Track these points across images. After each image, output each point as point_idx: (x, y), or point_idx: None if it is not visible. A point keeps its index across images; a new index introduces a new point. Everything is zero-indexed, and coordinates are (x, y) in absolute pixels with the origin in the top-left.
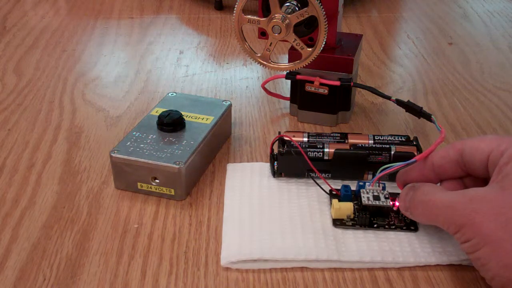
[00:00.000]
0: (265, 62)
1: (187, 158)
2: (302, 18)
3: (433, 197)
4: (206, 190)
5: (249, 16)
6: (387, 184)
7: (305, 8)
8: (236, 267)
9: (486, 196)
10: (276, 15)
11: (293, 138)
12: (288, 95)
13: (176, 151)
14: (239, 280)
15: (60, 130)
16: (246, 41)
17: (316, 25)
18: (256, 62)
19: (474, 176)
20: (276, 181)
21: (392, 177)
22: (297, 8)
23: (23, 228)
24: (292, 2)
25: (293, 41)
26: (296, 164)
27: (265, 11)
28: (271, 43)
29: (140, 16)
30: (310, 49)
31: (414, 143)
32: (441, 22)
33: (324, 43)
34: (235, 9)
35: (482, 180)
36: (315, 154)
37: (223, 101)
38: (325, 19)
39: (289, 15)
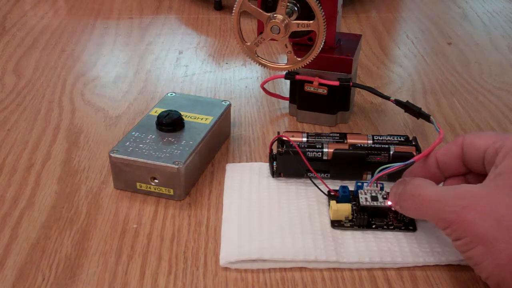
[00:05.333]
0: (249, 53)
1: (186, 158)
2: (302, 29)
3: (423, 191)
4: (205, 190)
5: (253, 6)
6: (386, 184)
7: (309, 22)
8: (235, 267)
9: (478, 194)
10: (278, 15)
11: (292, 138)
12: (287, 95)
13: (175, 151)
14: (238, 280)
15: (60, 130)
16: (245, 42)
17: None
18: (256, 63)
19: (475, 172)
20: (275, 181)
21: (391, 177)
22: (295, 8)
23: (22, 228)
24: (291, 2)
25: (284, 44)
26: (295, 164)
27: (264, 8)
28: (264, 39)
29: (140, 16)
30: (298, 59)
31: (413, 143)
32: (440, 22)
33: (323, 42)
34: (235, 5)
35: (484, 177)
36: (314, 154)
37: (222, 101)
38: (323, 17)
39: (291, 20)
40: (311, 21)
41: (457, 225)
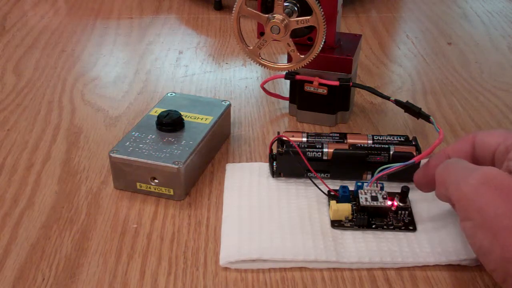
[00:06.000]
0: (254, 57)
1: (186, 158)
2: (302, 25)
3: (451, 164)
4: (205, 190)
5: (251, 9)
6: (386, 184)
7: (307, 17)
8: (235, 267)
9: (497, 176)
10: (277, 15)
11: (292, 138)
12: (287, 95)
13: (175, 151)
14: (238, 280)
15: (59, 130)
16: (245, 42)
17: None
18: (256, 63)
19: None
20: (275, 181)
21: (390, 177)
22: (295, 8)
23: (22, 228)
24: (291, 2)
25: (287, 43)
26: (295, 164)
27: (264, 9)
28: (265, 41)
29: (140, 16)
30: (302, 56)
31: (413, 143)
32: (440, 22)
33: (323, 42)
34: (233, 10)
35: None
36: (314, 154)
37: (222, 101)
38: (323, 17)
39: (291, 19)
40: (309, 16)
41: (470, 202)
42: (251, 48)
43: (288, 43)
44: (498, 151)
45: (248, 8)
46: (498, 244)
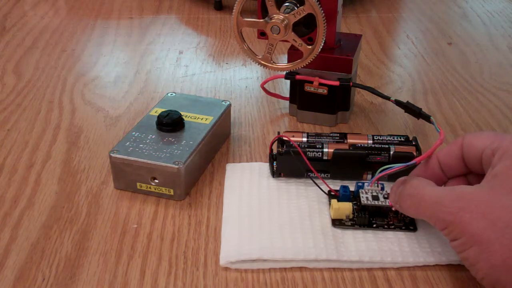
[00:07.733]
0: (266, 63)
1: (186, 158)
2: (300, 17)
3: (421, 191)
4: (205, 190)
5: (247, 19)
6: (386, 184)
7: (302, 7)
8: (235, 267)
9: (474, 195)
10: (274, 15)
11: (293, 138)
12: (287, 95)
13: (176, 151)
14: (238, 280)
15: (60, 130)
16: (245, 41)
17: (315, 25)
18: (256, 63)
19: (475, 173)
20: (276, 181)
21: (391, 177)
22: (296, 8)
23: (22, 228)
24: (291, 2)
25: (292, 40)
26: (295, 164)
27: (264, 12)
28: (272, 45)
29: (140, 16)
30: (310, 47)
31: (413, 143)
32: (440, 22)
33: (323, 42)
34: (233, 10)
35: (484, 177)
36: (314, 154)
37: (223, 101)
38: (323, 16)
39: (287, 15)
40: (303, 6)
41: (454, 226)
42: (260, 57)
43: (294, 39)
44: (484, 154)
45: (245, 19)
46: (484, 253)
